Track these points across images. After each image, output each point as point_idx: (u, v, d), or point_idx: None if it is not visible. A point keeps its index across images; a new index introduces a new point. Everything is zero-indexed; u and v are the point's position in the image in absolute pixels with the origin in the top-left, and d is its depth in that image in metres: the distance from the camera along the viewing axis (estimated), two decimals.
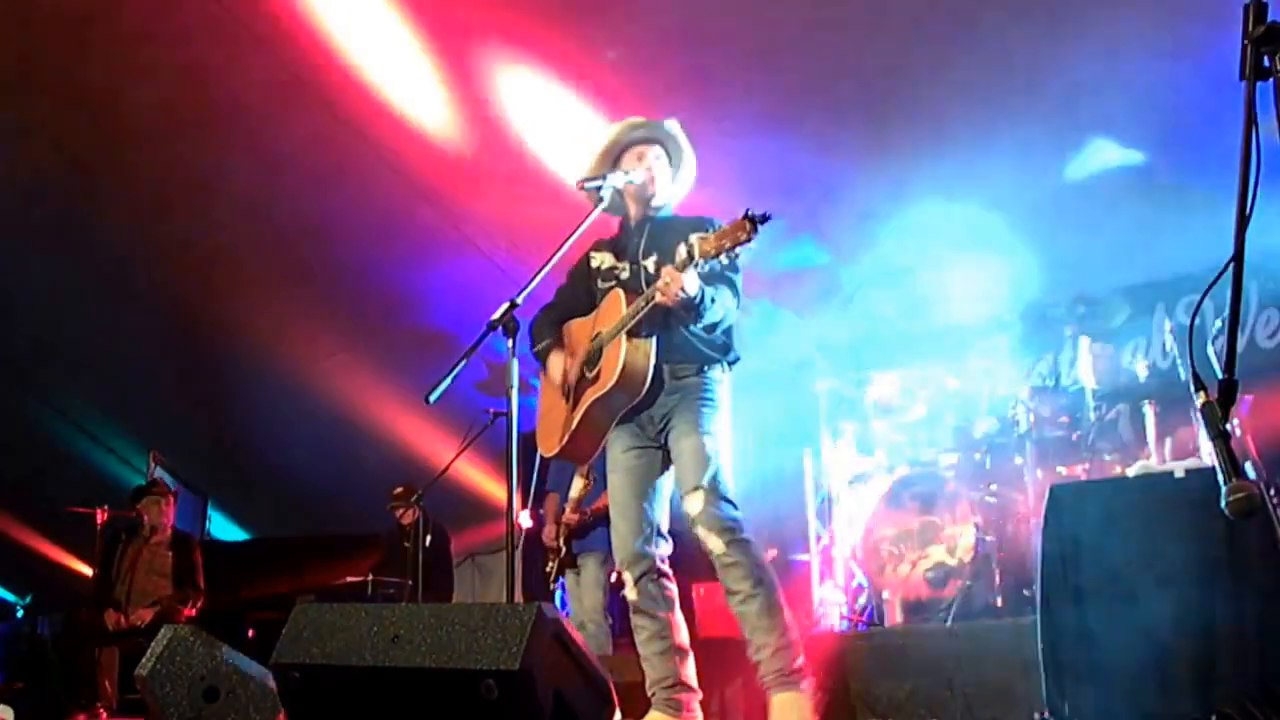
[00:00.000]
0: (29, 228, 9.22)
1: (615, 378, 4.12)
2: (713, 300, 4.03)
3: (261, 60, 7.30)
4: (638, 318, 4.09)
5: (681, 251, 3.90)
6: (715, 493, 4.08)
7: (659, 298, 3.95)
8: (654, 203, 4.41)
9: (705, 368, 4.26)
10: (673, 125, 4.45)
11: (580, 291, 4.54)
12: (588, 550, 7.08)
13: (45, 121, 8.11)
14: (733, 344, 4.38)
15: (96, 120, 8.04)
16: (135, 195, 8.79)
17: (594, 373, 4.27)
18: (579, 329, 4.46)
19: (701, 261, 3.83)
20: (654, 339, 4.16)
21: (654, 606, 4.22)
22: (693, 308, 4.01)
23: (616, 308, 4.22)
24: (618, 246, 4.51)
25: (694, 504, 4.09)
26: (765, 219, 3.74)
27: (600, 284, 4.45)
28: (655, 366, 4.17)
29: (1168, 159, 6.87)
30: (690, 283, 3.91)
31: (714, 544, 4.06)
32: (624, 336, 4.13)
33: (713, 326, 4.17)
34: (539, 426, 4.60)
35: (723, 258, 3.81)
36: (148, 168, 8.46)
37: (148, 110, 7.93)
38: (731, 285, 4.19)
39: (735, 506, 4.15)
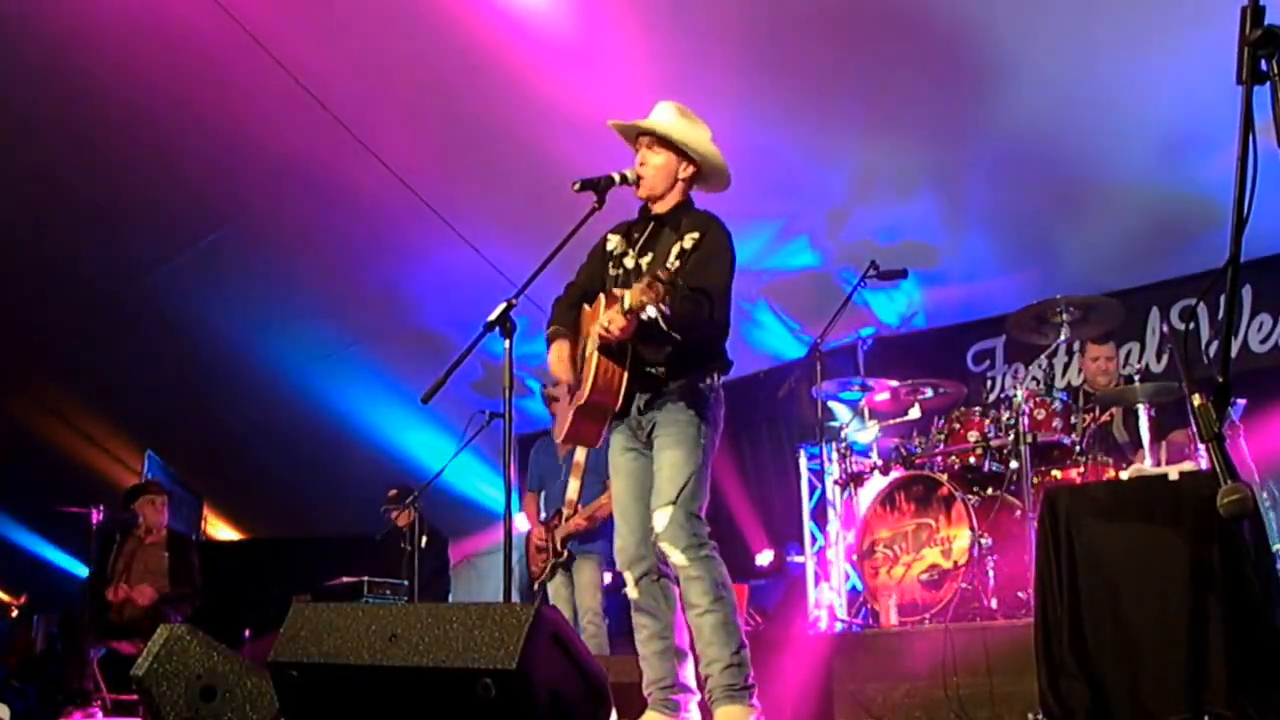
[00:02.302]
0: (25, 228, 9.23)
1: (588, 393, 4.16)
2: (673, 328, 4.00)
3: (257, 62, 7.30)
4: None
5: (626, 298, 3.92)
6: (684, 509, 4.09)
7: (600, 335, 4.02)
8: (655, 195, 4.37)
9: (693, 376, 4.24)
10: (664, 113, 4.40)
11: (596, 274, 4.52)
12: (585, 553, 7.09)
13: (43, 123, 8.12)
14: (723, 352, 4.36)
15: (94, 120, 8.04)
16: (129, 197, 8.80)
17: (580, 378, 4.29)
18: (589, 317, 4.44)
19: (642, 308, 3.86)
20: (627, 354, 4.16)
21: (655, 606, 4.22)
22: (650, 338, 4.05)
23: (598, 316, 4.23)
24: (629, 232, 4.50)
25: (661, 519, 4.10)
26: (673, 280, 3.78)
27: (611, 269, 4.44)
28: (633, 378, 4.17)
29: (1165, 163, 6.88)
30: (629, 324, 3.95)
31: (677, 558, 4.08)
32: (597, 353, 4.15)
33: (692, 339, 4.15)
34: (558, 410, 4.63)
35: (679, 282, 3.80)
36: (141, 169, 8.47)
37: (144, 112, 7.94)
38: (710, 299, 4.12)
39: (703, 522, 4.16)
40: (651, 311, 3.84)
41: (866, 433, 7.06)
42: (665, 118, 4.38)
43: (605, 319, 3.99)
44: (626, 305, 3.89)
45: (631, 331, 3.99)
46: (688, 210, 4.37)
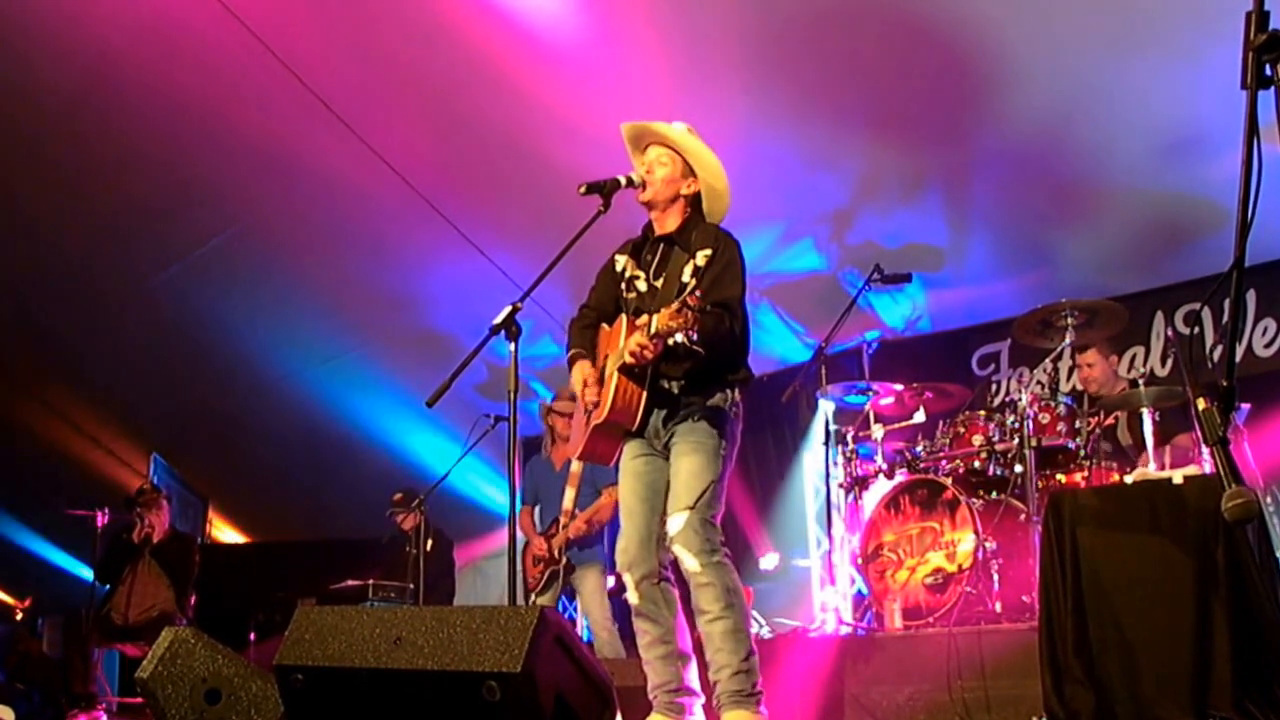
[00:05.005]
0: (29, 230, 9.24)
1: (607, 412, 4.19)
2: (697, 345, 3.99)
3: (266, 67, 7.32)
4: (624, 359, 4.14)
5: (653, 322, 3.92)
6: (700, 515, 4.11)
7: (629, 360, 4.03)
8: (656, 203, 4.40)
9: (716, 393, 4.26)
10: (678, 127, 4.43)
11: (608, 295, 4.55)
12: (586, 561, 7.10)
13: (50, 126, 8.14)
14: (743, 364, 4.37)
15: (102, 123, 8.05)
16: (136, 199, 8.81)
17: (599, 396, 4.29)
18: (606, 339, 4.47)
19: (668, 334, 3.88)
20: (647, 375, 4.18)
21: (656, 610, 4.23)
22: (673, 358, 4.08)
23: (619, 337, 4.25)
24: (638, 252, 4.52)
25: (676, 523, 4.13)
26: (702, 308, 3.80)
27: (625, 292, 4.46)
28: (651, 397, 4.20)
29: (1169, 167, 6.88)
30: (656, 348, 3.97)
31: (690, 563, 4.10)
32: (617, 373, 4.16)
33: (718, 355, 4.15)
34: (574, 426, 4.65)
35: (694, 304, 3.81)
36: (148, 171, 8.48)
37: (146, 114, 7.95)
38: (731, 312, 4.13)
39: (717, 529, 4.18)
40: (680, 337, 3.86)
41: (872, 435, 7.04)
42: (678, 129, 4.41)
43: (633, 343, 4.00)
44: (654, 329, 3.90)
45: (658, 355, 4.03)
46: (697, 227, 4.37)
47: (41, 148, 8.39)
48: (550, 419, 7.45)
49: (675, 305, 3.80)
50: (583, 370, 4.39)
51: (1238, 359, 2.40)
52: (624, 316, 4.33)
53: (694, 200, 4.42)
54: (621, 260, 4.53)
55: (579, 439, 4.47)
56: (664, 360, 4.12)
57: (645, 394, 4.19)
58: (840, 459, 7.07)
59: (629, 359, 4.04)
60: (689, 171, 4.39)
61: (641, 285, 4.40)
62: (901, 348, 8.80)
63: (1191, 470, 5.27)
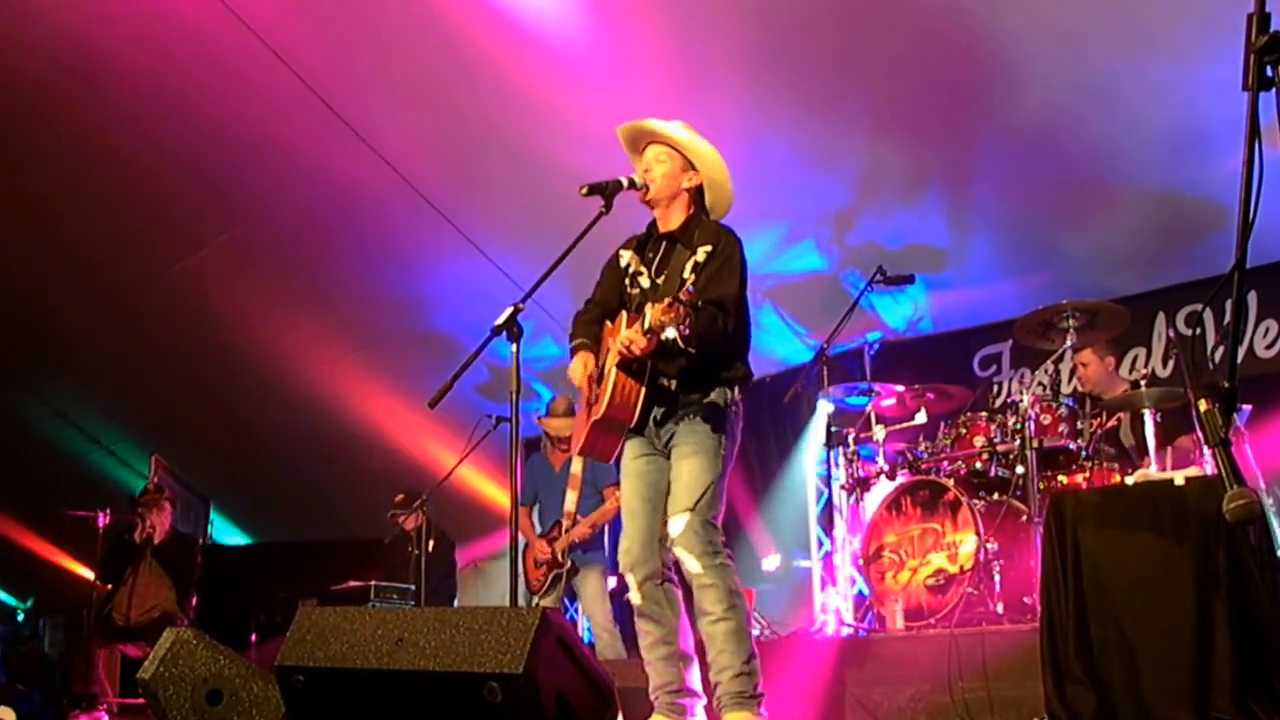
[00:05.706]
0: (30, 231, 9.25)
1: (605, 407, 4.19)
2: (689, 344, 4.01)
3: (273, 70, 7.32)
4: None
5: (646, 317, 3.94)
6: (701, 516, 4.12)
7: (622, 352, 4.04)
8: (659, 200, 4.40)
9: (710, 387, 4.27)
10: (676, 125, 4.44)
11: (612, 291, 4.56)
12: (588, 562, 7.10)
13: (57, 124, 8.14)
14: (743, 364, 4.38)
15: (108, 122, 8.06)
16: (139, 200, 8.81)
17: (598, 393, 4.30)
18: (610, 333, 4.47)
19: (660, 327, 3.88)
20: (645, 371, 4.19)
21: (659, 611, 4.23)
22: (666, 355, 4.08)
23: (620, 333, 4.25)
24: (642, 248, 4.53)
25: (677, 525, 4.14)
26: (694, 303, 3.81)
27: (628, 287, 4.48)
28: (650, 394, 4.20)
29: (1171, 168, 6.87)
30: (649, 343, 3.98)
31: (692, 565, 4.11)
32: (615, 369, 4.17)
33: (709, 353, 4.16)
34: (575, 422, 4.66)
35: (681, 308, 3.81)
36: (150, 172, 8.48)
37: (159, 114, 7.95)
38: (725, 311, 4.14)
39: (719, 530, 4.19)
40: (671, 333, 3.86)
41: (873, 436, 7.04)
42: (674, 124, 4.43)
43: (625, 337, 4.02)
44: (647, 325, 3.92)
45: (651, 350, 4.03)
46: (699, 224, 4.39)
47: (49, 146, 8.39)
48: (545, 426, 7.48)
49: (667, 300, 3.81)
50: (584, 362, 4.41)
51: (1239, 360, 2.40)
52: (624, 313, 4.34)
53: (696, 194, 4.44)
54: (626, 255, 4.54)
55: (579, 434, 4.48)
56: (658, 357, 4.13)
57: (644, 390, 4.20)
58: (842, 460, 7.07)
59: (620, 352, 4.06)
60: (688, 165, 4.42)
61: (644, 281, 4.41)
62: (903, 349, 8.79)
63: (1193, 471, 5.27)
